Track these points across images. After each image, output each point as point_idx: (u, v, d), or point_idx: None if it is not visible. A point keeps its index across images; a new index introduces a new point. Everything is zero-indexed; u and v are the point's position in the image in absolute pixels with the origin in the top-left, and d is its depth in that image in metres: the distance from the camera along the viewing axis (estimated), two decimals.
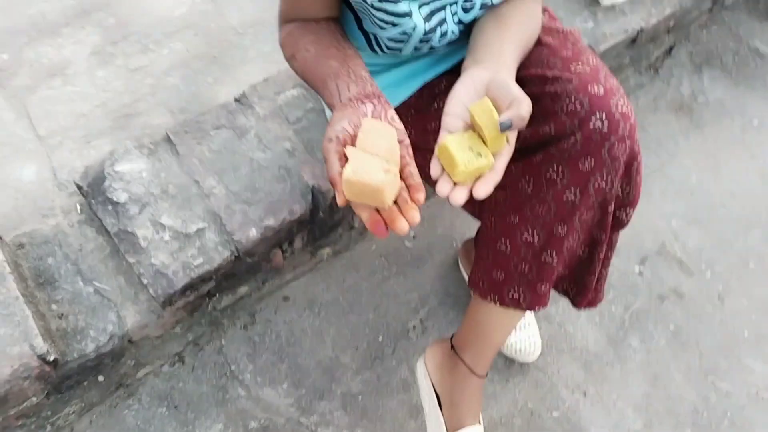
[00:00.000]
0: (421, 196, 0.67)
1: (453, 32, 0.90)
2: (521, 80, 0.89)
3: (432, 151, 0.99)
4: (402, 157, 0.70)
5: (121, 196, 1.16)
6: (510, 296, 0.97)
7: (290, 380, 1.28)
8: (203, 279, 1.13)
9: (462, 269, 1.41)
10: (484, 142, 0.73)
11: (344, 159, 0.67)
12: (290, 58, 0.91)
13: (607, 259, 1.01)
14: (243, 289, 1.29)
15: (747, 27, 1.81)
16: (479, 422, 1.12)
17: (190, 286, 1.12)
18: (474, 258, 1.04)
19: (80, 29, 1.48)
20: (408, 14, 0.83)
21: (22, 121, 1.35)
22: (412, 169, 0.70)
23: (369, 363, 1.32)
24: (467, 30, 0.94)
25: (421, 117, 1.00)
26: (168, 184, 1.17)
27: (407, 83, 1.02)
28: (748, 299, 1.45)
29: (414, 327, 1.37)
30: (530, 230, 0.89)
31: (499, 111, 0.72)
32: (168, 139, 1.22)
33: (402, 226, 0.65)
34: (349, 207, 1.33)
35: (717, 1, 1.73)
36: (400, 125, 0.73)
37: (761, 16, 1.83)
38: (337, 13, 0.91)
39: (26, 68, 1.42)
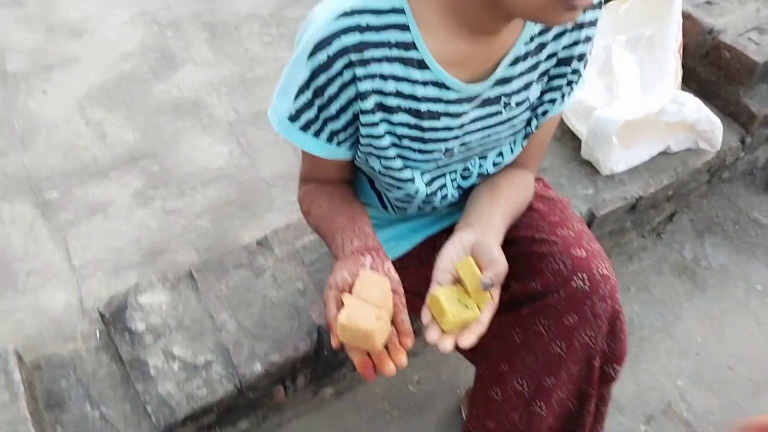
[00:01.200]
0: (409, 341, 0.74)
1: (453, 195, 1.01)
2: (512, 240, 0.98)
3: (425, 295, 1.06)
4: (395, 305, 0.77)
5: (139, 326, 1.23)
6: None
7: None
8: (205, 410, 1.15)
9: (464, 416, 1.40)
10: (469, 295, 0.82)
11: (341, 305, 0.74)
12: (306, 213, 1.01)
13: (600, 415, 1.02)
14: (243, 424, 1.30)
15: (745, 199, 1.91)
16: None
17: (191, 417, 1.14)
18: (470, 407, 1.07)
19: (126, 173, 1.66)
20: (411, 180, 0.93)
21: (60, 251, 1.47)
22: (404, 316, 0.77)
23: None
24: (466, 194, 1.05)
25: (423, 268, 1.08)
26: (184, 317, 1.25)
27: (411, 237, 1.12)
28: None
29: None
30: (520, 380, 0.92)
31: (480, 269, 0.81)
32: (191, 275, 1.31)
33: (389, 368, 0.72)
34: None
35: (714, 175, 1.85)
36: (395, 276, 0.81)
37: (758, 190, 1.94)
38: (350, 177, 1.02)
39: (72, 205, 1.58)
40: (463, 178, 1.00)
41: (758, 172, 1.96)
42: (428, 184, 0.96)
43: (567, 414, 0.97)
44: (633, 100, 1.58)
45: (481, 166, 0.99)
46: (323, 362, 1.30)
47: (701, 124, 1.57)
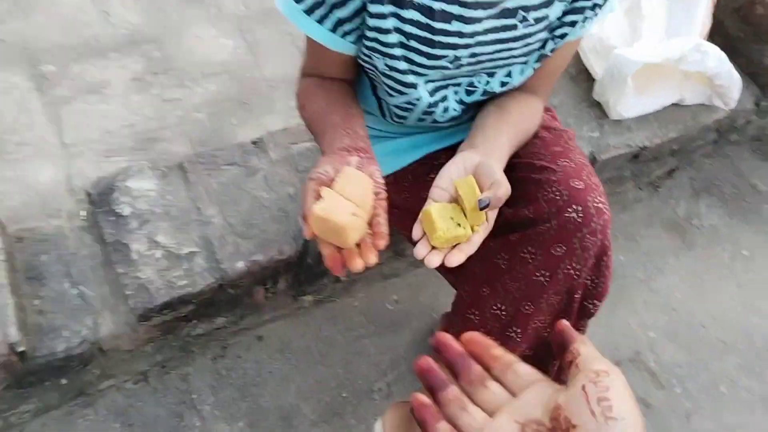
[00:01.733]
0: (382, 242, 0.73)
1: (455, 110, 0.98)
2: (512, 164, 0.96)
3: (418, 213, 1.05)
4: (374, 208, 0.75)
5: (125, 209, 1.22)
6: None
7: (247, 420, 1.29)
8: (183, 301, 1.17)
9: None
10: (464, 215, 0.80)
11: (319, 197, 0.72)
12: (301, 108, 0.98)
13: None
14: (220, 320, 1.32)
15: (749, 164, 1.89)
16: None
17: (168, 305, 1.15)
18: (444, 325, 1.07)
19: (127, 56, 1.60)
20: (414, 86, 0.90)
21: (52, 126, 1.44)
22: (381, 219, 0.75)
23: (328, 417, 1.32)
24: (470, 110, 1.01)
25: (418, 185, 1.06)
26: (171, 207, 1.24)
27: (410, 152, 1.10)
28: (715, 423, 1.44)
29: (380, 389, 1.37)
30: (499, 304, 0.93)
31: (481, 190, 0.79)
32: (181, 166, 1.29)
33: (357, 264, 0.71)
34: None
35: (722, 135, 1.81)
36: (381, 180, 0.79)
37: (764, 157, 1.91)
38: (353, 76, 0.99)
39: (69, 81, 1.53)
40: (468, 93, 0.97)
41: (766, 138, 1.93)
42: (431, 93, 0.93)
43: (541, 344, 0.99)
44: (656, 44, 1.53)
45: (488, 83, 0.95)
46: (306, 269, 1.31)
47: (720, 78, 1.53)
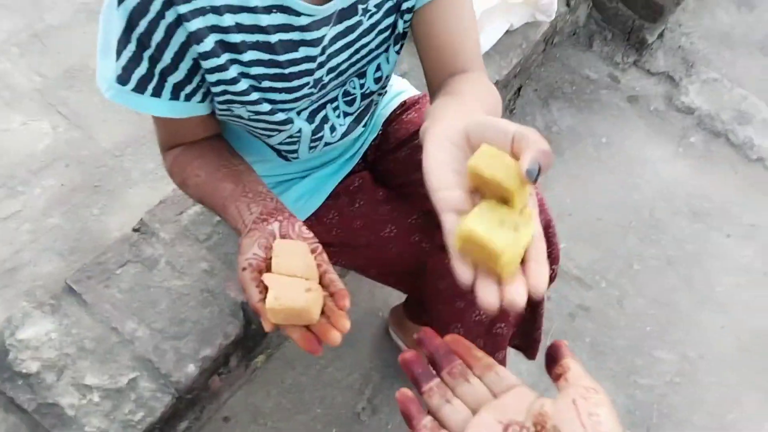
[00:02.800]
0: (346, 302, 0.66)
1: (341, 124, 0.93)
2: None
3: (364, 246, 1.01)
4: (319, 266, 0.68)
5: (32, 366, 1.05)
6: None
7: None
8: None
9: (394, 337, 1.43)
10: (506, 202, 0.52)
11: (262, 285, 0.65)
12: (182, 185, 0.87)
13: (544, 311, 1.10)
14: (182, 426, 1.21)
15: (575, 59, 2.04)
16: None
17: None
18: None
19: None
20: (287, 121, 0.83)
21: None
22: (332, 275, 0.68)
23: None
24: (360, 118, 0.97)
25: (345, 218, 1.02)
26: (83, 340, 1.09)
27: (321, 188, 1.04)
28: (642, 297, 1.62)
29: (363, 408, 1.37)
30: (477, 311, 0.94)
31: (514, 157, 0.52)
32: (69, 290, 1.13)
33: (334, 337, 0.64)
34: None
35: (548, 42, 1.94)
36: (310, 234, 0.71)
37: (583, 47, 2.08)
38: (218, 129, 0.87)
39: None
40: (348, 104, 0.92)
41: (581, 30, 2.09)
42: (309, 120, 0.87)
43: (521, 320, 1.03)
44: None
45: (362, 86, 0.91)
46: (252, 337, 1.23)
47: None
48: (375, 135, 1.12)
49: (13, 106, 1.49)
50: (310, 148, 0.93)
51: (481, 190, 0.54)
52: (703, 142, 1.92)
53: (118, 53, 0.69)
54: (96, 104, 1.51)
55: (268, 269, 0.67)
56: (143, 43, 0.68)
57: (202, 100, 0.77)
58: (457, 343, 0.52)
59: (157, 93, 0.73)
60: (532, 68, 1.96)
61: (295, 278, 0.65)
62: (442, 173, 0.56)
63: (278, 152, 0.93)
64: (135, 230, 1.22)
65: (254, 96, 0.77)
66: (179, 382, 1.07)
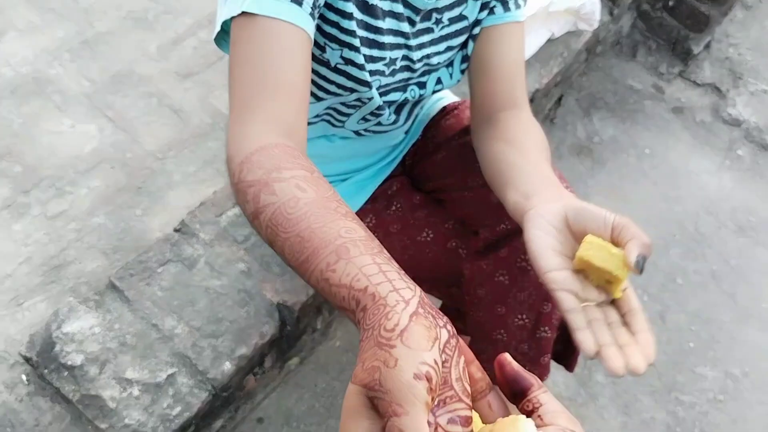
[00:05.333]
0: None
1: (388, 119, 0.94)
2: (466, 186, 0.98)
3: (400, 250, 1.01)
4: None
5: (76, 359, 1.08)
6: None
7: None
8: (184, 428, 1.07)
9: None
10: (610, 285, 0.63)
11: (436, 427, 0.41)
12: (257, 188, 0.55)
13: None
14: (217, 424, 1.23)
15: (618, 68, 2.02)
16: None
17: None
18: (475, 352, 1.06)
19: None
20: (368, 84, 0.83)
21: None
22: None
23: None
24: (404, 122, 0.98)
25: (382, 221, 1.03)
26: (125, 335, 1.11)
27: (360, 192, 1.05)
28: (684, 313, 1.57)
29: None
30: (519, 315, 0.93)
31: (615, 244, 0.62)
32: (113, 286, 1.16)
33: None
34: (312, 310, 1.32)
35: (590, 51, 1.92)
36: (469, 388, 0.44)
37: (627, 57, 2.05)
38: (307, 100, 0.69)
39: None
40: (400, 106, 0.95)
41: (624, 40, 2.07)
42: (381, 95, 0.87)
43: (563, 327, 1.01)
44: None
45: (422, 96, 0.94)
46: (286, 337, 1.24)
47: (584, 7, 1.60)
48: (414, 140, 1.13)
49: (63, 109, 1.54)
50: (364, 119, 0.93)
51: (585, 273, 0.64)
52: (750, 155, 1.87)
53: None
54: (141, 108, 1.55)
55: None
56: None
57: (314, 19, 0.68)
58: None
59: None
60: (574, 77, 1.94)
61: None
62: (549, 256, 0.64)
63: (332, 117, 0.92)
64: (176, 230, 1.24)
65: (356, 41, 0.77)
66: (216, 379, 1.08)
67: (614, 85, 1.98)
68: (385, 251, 0.49)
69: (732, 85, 1.98)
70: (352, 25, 0.76)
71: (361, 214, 1.05)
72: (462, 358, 0.43)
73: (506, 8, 0.88)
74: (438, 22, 0.84)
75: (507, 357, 0.44)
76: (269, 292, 1.17)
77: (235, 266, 1.20)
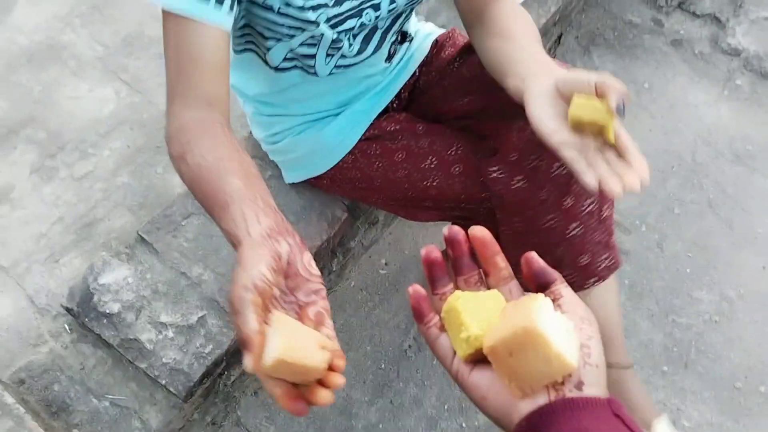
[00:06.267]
0: (342, 362, 0.57)
1: (353, 46, 0.97)
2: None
3: (405, 178, 1.08)
4: (321, 316, 0.61)
5: (114, 307, 1.19)
6: (601, 267, 1.07)
7: (312, 429, 1.35)
8: (216, 363, 1.18)
9: None
10: (601, 135, 0.75)
11: (263, 317, 0.54)
12: (178, 158, 0.76)
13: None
14: (247, 359, 1.34)
15: (617, 3, 2.02)
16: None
17: (206, 374, 1.16)
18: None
19: (12, 150, 1.47)
20: (314, 22, 0.88)
21: None
22: (330, 331, 0.60)
23: (379, 391, 1.40)
24: (369, 46, 1.01)
25: (387, 151, 1.10)
26: (156, 284, 1.21)
27: (357, 124, 1.12)
28: (681, 241, 1.65)
29: (410, 346, 1.47)
30: (585, 200, 0.99)
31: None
32: (142, 240, 1.26)
33: (326, 397, 0.55)
34: (327, 254, 1.41)
35: None
36: (317, 271, 0.63)
37: None
38: (227, 85, 0.83)
39: None
40: (366, 36, 0.98)
41: None
42: (332, 27, 0.90)
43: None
44: None
45: (378, 18, 0.95)
46: None
47: None
48: (410, 76, 1.18)
49: (79, 74, 1.61)
50: (328, 56, 0.97)
51: (581, 127, 0.75)
52: (749, 84, 1.89)
53: None
54: (153, 70, 1.61)
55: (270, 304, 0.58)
56: None
57: (231, 8, 0.78)
58: (483, 243, 0.53)
59: None
60: (573, 15, 1.96)
61: (306, 328, 0.56)
62: (550, 123, 0.76)
63: (298, 60, 0.97)
64: None
65: None
66: None
67: (613, 20, 1.99)
68: (257, 197, 0.67)
69: (732, 14, 1.99)
70: None
71: (365, 144, 1.12)
72: (306, 253, 0.62)
73: None
74: None
75: (534, 254, 0.52)
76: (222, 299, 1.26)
77: None
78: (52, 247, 1.36)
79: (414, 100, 1.20)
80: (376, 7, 0.93)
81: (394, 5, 0.95)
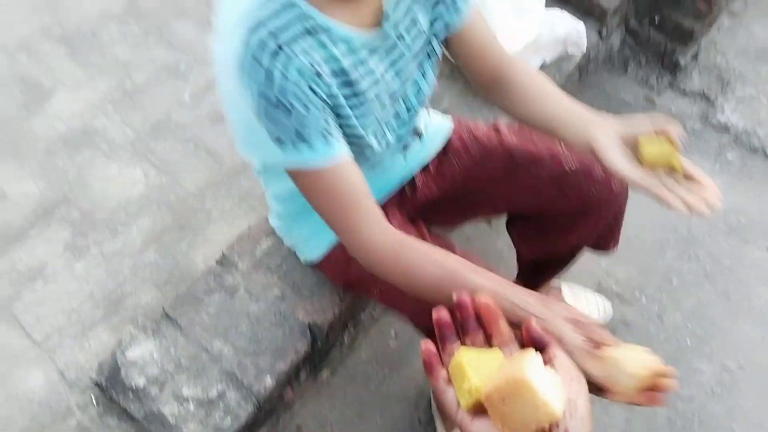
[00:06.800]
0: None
1: (391, 141, 1.05)
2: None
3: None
4: None
5: (139, 381, 1.26)
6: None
7: None
8: None
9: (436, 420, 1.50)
10: (670, 166, 0.92)
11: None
12: (394, 260, 0.91)
13: None
14: None
15: (610, 83, 2.16)
16: None
17: None
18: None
19: (47, 228, 1.58)
20: (363, 137, 0.96)
21: (15, 330, 1.43)
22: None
23: None
24: (406, 139, 1.11)
25: (403, 210, 1.20)
26: (180, 358, 1.29)
27: (387, 184, 1.21)
28: (680, 312, 1.71)
29: (419, 419, 1.52)
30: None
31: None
32: (167, 316, 1.34)
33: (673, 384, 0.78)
34: (339, 327, 1.48)
35: (583, 71, 2.06)
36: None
37: (618, 72, 2.19)
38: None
39: (5, 278, 1.50)
40: (399, 124, 1.06)
41: (615, 55, 2.20)
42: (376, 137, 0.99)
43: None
44: (509, 29, 1.71)
45: (408, 110, 1.04)
46: (317, 352, 1.41)
47: (571, 36, 1.74)
48: (423, 166, 1.26)
49: (111, 156, 1.73)
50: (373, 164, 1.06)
51: (652, 164, 0.92)
52: (739, 158, 1.99)
53: (267, 117, 0.82)
54: (179, 152, 1.74)
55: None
56: (279, 102, 0.80)
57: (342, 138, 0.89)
58: (488, 310, 0.60)
59: (324, 136, 0.85)
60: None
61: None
62: (626, 164, 0.93)
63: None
64: (218, 263, 1.42)
65: (346, 110, 0.90)
66: (259, 392, 1.26)
67: (608, 100, 2.11)
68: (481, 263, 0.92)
69: (720, 92, 2.11)
70: (340, 101, 0.89)
71: (388, 202, 1.20)
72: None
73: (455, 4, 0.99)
74: (401, 38, 0.93)
75: (533, 322, 0.59)
76: (301, 313, 1.34)
77: (270, 292, 1.37)
78: (83, 321, 1.44)
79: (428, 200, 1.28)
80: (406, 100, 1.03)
81: (420, 91, 1.04)
